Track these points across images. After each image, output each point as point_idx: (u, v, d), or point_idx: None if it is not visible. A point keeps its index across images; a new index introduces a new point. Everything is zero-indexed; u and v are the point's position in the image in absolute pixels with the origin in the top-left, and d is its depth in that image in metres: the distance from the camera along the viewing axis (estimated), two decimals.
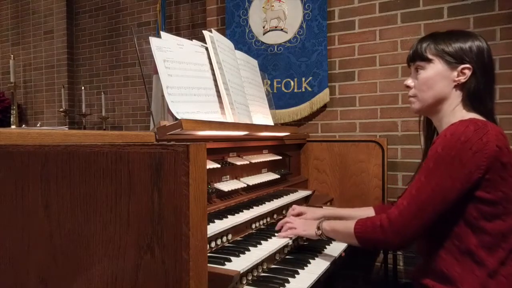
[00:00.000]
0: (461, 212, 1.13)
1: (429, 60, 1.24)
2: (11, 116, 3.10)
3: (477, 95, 1.20)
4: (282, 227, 1.48)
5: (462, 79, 1.20)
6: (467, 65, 1.19)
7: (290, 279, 1.22)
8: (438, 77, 1.23)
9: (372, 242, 1.22)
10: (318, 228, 1.39)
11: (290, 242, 1.45)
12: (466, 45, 1.21)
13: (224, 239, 1.33)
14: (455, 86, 1.22)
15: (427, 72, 1.25)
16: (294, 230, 1.44)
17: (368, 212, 1.58)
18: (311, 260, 1.39)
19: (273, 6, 2.66)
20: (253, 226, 1.53)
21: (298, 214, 1.60)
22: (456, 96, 1.23)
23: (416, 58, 1.28)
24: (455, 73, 1.21)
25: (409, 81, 1.31)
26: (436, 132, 1.33)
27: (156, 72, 1.80)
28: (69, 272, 0.76)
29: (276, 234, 1.46)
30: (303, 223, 1.47)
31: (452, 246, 1.15)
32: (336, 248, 1.54)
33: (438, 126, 1.31)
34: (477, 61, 1.19)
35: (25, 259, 0.82)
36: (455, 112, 1.23)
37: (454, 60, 1.21)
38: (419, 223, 1.12)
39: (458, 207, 1.12)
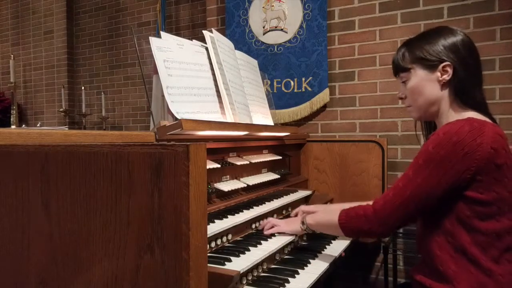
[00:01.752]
0: (452, 209, 1.13)
1: (408, 70, 1.27)
2: (11, 116, 3.10)
3: (464, 88, 1.21)
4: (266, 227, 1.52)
5: (446, 77, 1.21)
6: (447, 63, 1.20)
7: (290, 279, 1.22)
8: (423, 83, 1.24)
9: (357, 231, 1.26)
10: (303, 223, 1.45)
11: (294, 238, 1.48)
12: (439, 44, 1.21)
13: (224, 239, 1.33)
14: (443, 86, 1.23)
15: (412, 81, 1.27)
16: (278, 227, 1.49)
17: None
18: (311, 260, 1.39)
19: (273, 6, 2.67)
20: (253, 226, 1.54)
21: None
22: (447, 95, 1.24)
23: (398, 70, 1.31)
24: (438, 73, 1.22)
25: (400, 93, 1.34)
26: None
27: (156, 72, 1.80)
28: (69, 272, 0.76)
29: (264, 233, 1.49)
30: (286, 220, 1.54)
31: (446, 244, 1.15)
32: (336, 248, 1.54)
33: (438, 126, 1.31)
34: (454, 56, 1.20)
35: (25, 259, 0.82)
36: (452, 110, 1.24)
37: (431, 62, 1.22)
38: (402, 214, 1.16)
39: (449, 204, 1.13)
